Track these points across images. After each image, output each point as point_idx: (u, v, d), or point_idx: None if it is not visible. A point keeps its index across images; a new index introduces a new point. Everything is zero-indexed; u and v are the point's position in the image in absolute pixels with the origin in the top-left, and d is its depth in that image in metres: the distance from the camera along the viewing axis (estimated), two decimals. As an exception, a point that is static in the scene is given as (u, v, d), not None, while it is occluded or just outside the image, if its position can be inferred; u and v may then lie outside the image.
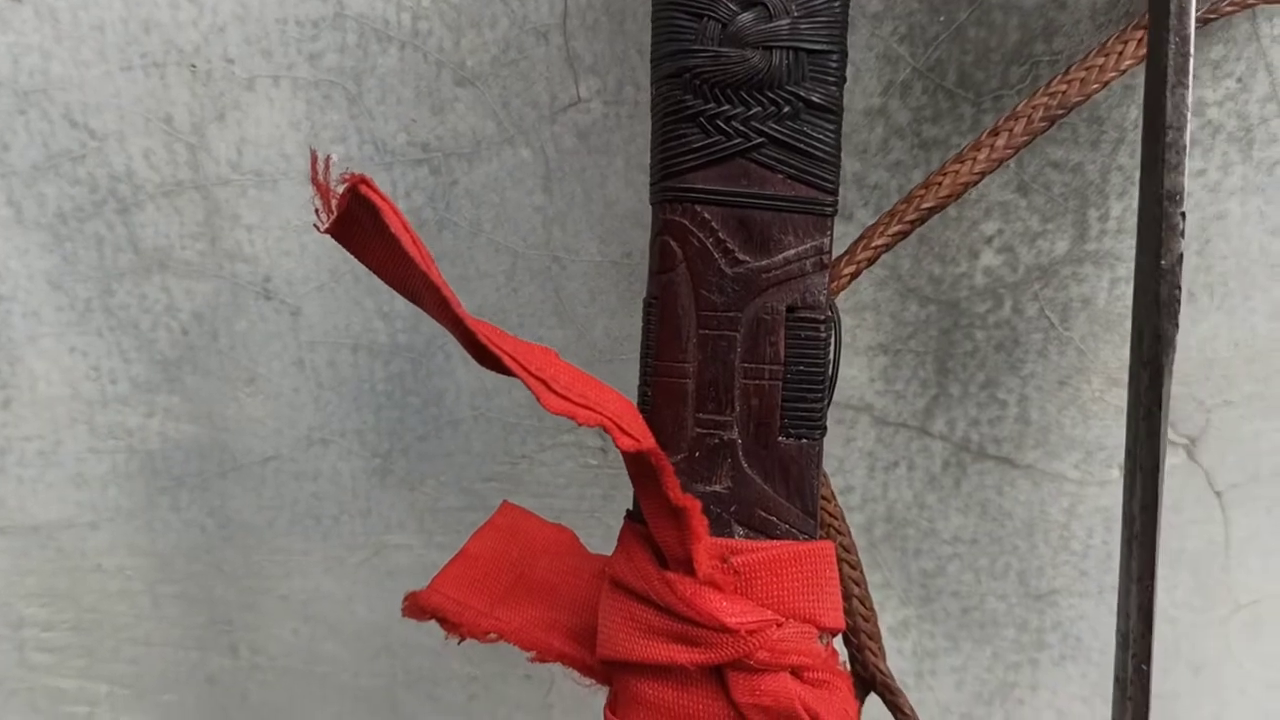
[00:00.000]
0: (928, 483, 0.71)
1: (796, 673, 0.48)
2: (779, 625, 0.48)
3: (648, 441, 0.45)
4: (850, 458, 0.70)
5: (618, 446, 0.44)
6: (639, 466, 0.46)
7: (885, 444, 0.70)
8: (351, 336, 0.69)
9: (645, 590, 0.48)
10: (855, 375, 0.68)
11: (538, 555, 0.58)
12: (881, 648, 0.56)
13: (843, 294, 0.66)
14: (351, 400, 0.71)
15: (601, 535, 0.72)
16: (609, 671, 0.52)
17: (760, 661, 0.47)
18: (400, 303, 0.68)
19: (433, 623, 0.75)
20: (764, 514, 0.49)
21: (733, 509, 0.49)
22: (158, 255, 0.68)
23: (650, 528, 0.48)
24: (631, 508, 0.52)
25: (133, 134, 0.66)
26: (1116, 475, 0.69)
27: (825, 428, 0.50)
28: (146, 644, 0.80)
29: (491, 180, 0.65)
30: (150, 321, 0.70)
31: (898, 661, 0.76)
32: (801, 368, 0.49)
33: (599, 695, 0.53)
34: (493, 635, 0.54)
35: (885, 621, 0.75)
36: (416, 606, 0.55)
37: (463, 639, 0.55)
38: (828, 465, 0.70)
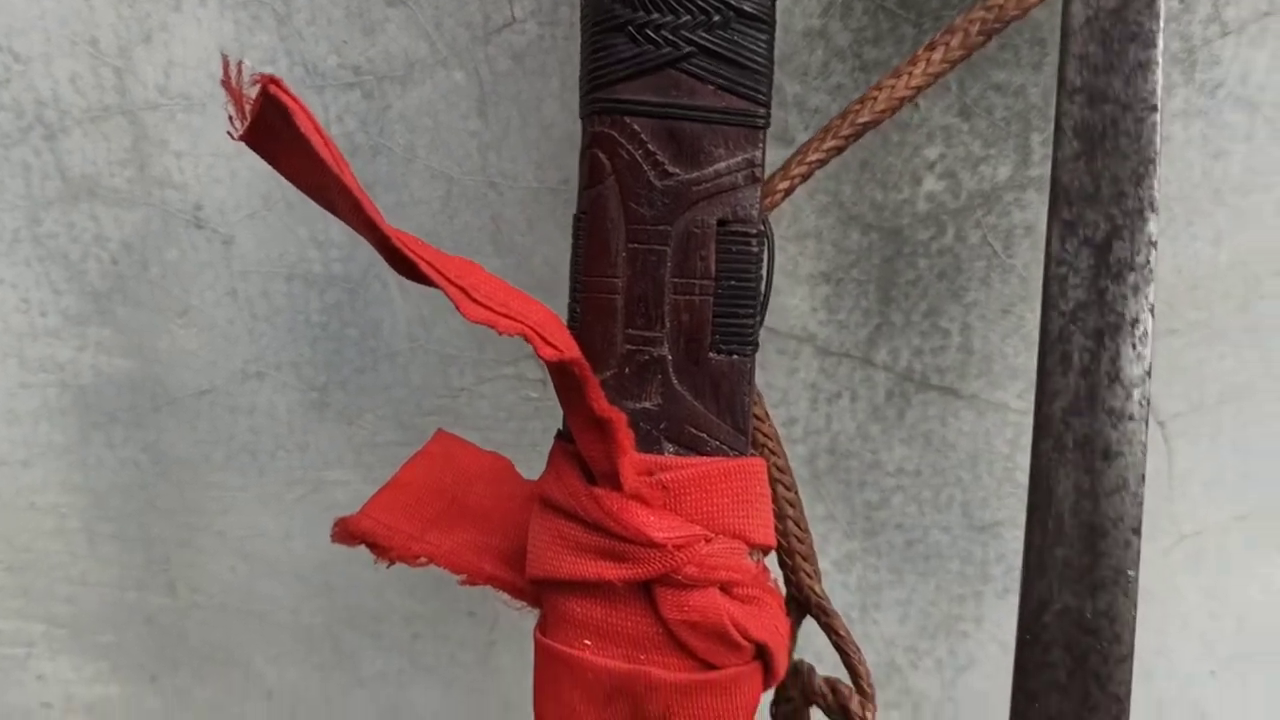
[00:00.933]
0: (871, 414, 0.71)
1: (726, 589, 0.48)
2: (707, 541, 0.47)
3: (571, 351, 0.44)
4: (793, 389, 0.70)
5: (540, 356, 0.44)
6: (563, 378, 0.45)
7: (828, 375, 0.70)
8: (285, 266, 0.68)
9: (573, 507, 0.48)
10: (798, 305, 0.68)
11: (471, 481, 0.58)
12: (816, 569, 0.56)
13: (785, 222, 0.65)
14: (286, 332, 0.70)
15: (541, 468, 0.71)
16: (538, 593, 0.52)
17: (688, 577, 0.47)
18: (335, 231, 0.67)
19: (373, 560, 0.75)
20: (694, 431, 0.49)
21: (662, 426, 0.49)
22: (85, 183, 0.67)
23: (577, 443, 0.48)
24: (562, 428, 0.52)
25: (58, 57, 0.64)
26: (1060, 405, 0.70)
27: (757, 344, 0.50)
28: (83, 583, 0.79)
29: (425, 104, 0.64)
30: (80, 251, 0.68)
31: (842, 595, 0.76)
32: (733, 282, 0.49)
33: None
34: (423, 559, 0.54)
35: (829, 555, 0.75)
36: (346, 531, 0.55)
37: (392, 563, 0.54)
38: (770, 397, 0.70)
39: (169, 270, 0.69)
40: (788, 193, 0.52)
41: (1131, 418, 0.50)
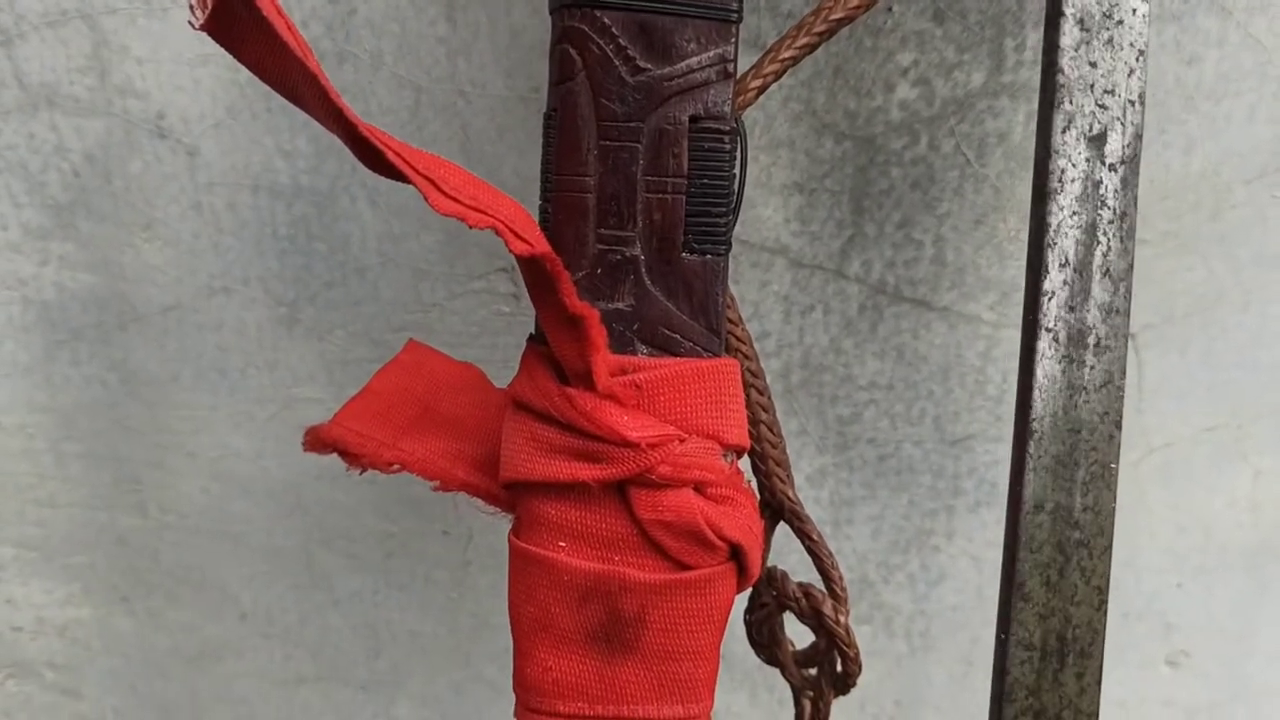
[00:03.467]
0: (844, 327, 0.70)
1: (699, 488, 0.48)
2: (681, 440, 0.47)
3: (542, 246, 0.43)
4: (766, 302, 0.70)
5: (511, 251, 0.43)
6: (535, 274, 0.45)
7: (801, 287, 0.69)
8: (251, 177, 0.67)
9: (546, 407, 0.48)
10: (771, 216, 0.67)
11: (443, 390, 0.57)
12: (789, 475, 0.55)
13: (758, 131, 0.65)
14: (254, 246, 0.69)
15: (515, 384, 0.71)
16: (513, 497, 0.51)
17: (662, 476, 0.47)
18: (302, 141, 0.66)
19: (346, 472, 0.74)
20: (667, 331, 0.49)
21: (635, 327, 0.49)
22: (44, 91, 0.65)
23: (550, 342, 0.47)
24: (534, 331, 0.51)
25: (13, -39, 0.62)
26: (1032, 317, 0.69)
27: (730, 244, 0.49)
28: (52, 505, 0.78)
29: (392, 8, 0.62)
30: (40, 163, 0.67)
31: (815, 510, 0.76)
32: (705, 181, 0.48)
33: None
34: (396, 466, 0.54)
35: (802, 470, 0.75)
36: (317, 440, 0.54)
37: (364, 470, 0.54)
38: (744, 311, 0.70)
39: (132, 182, 0.67)
40: (760, 91, 0.52)
41: (1118, 311, 0.50)
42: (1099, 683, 0.52)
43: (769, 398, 0.55)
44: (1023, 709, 0.51)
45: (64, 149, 0.66)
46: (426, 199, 0.42)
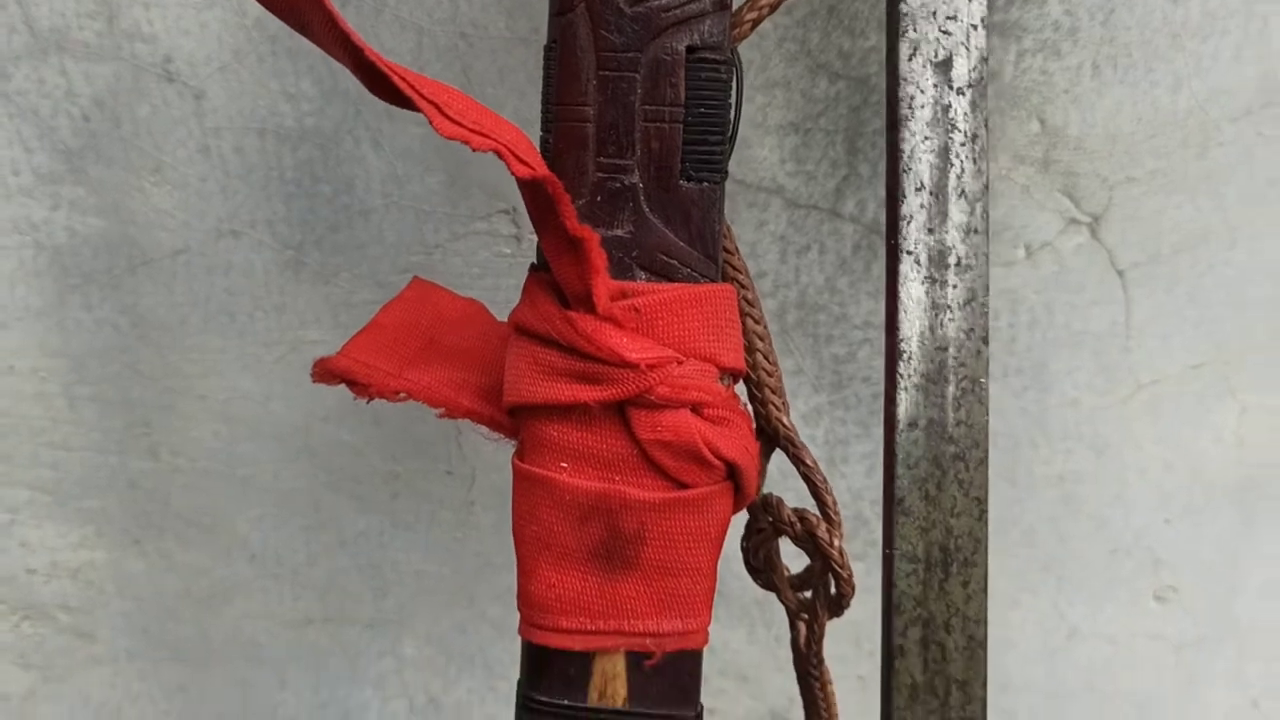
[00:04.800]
0: (839, 266, 0.72)
1: (697, 409, 0.49)
2: (679, 363, 0.48)
3: (543, 169, 0.45)
4: (762, 242, 0.71)
5: (513, 174, 0.44)
6: (536, 198, 0.46)
7: (797, 227, 0.70)
8: (258, 121, 0.68)
9: (548, 331, 0.49)
10: (766, 156, 0.68)
11: (447, 324, 0.59)
12: (785, 402, 0.57)
13: (753, 71, 0.66)
14: (260, 189, 0.70)
15: (517, 324, 0.72)
16: (516, 422, 0.53)
17: (661, 397, 0.48)
18: (307, 83, 0.67)
19: (355, 420, 0.76)
20: (665, 258, 0.50)
21: (634, 254, 0.50)
22: (54, 36, 0.66)
23: (551, 267, 0.48)
24: (536, 260, 0.52)
25: (21, -91, 0.63)
26: (1022, 256, 0.71)
27: (726, 173, 0.50)
28: (65, 448, 0.79)
29: (395, -48, 0.63)
30: (50, 108, 0.68)
31: (810, 449, 0.77)
32: (702, 110, 0.49)
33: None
34: (402, 395, 0.55)
35: (798, 409, 0.76)
36: (325, 371, 0.56)
37: (371, 400, 0.55)
38: (741, 249, 0.71)
39: (140, 127, 0.68)
40: (755, 24, 0.53)
41: (976, 231, 0.51)
42: (985, 590, 0.53)
43: (765, 327, 0.57)
44: (911, 619, 0.53)
45: (73, 94, 0.67)
46: (431, 123, 0.43)
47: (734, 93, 0.50)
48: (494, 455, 0.79)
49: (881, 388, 0.74)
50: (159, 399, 0.78)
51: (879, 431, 0.76)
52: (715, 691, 0.90)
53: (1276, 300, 0.73)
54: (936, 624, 0.53)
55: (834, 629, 0.62)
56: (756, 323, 0.56)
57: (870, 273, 0.71)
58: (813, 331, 0.74)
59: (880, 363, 0.74)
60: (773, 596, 0.85)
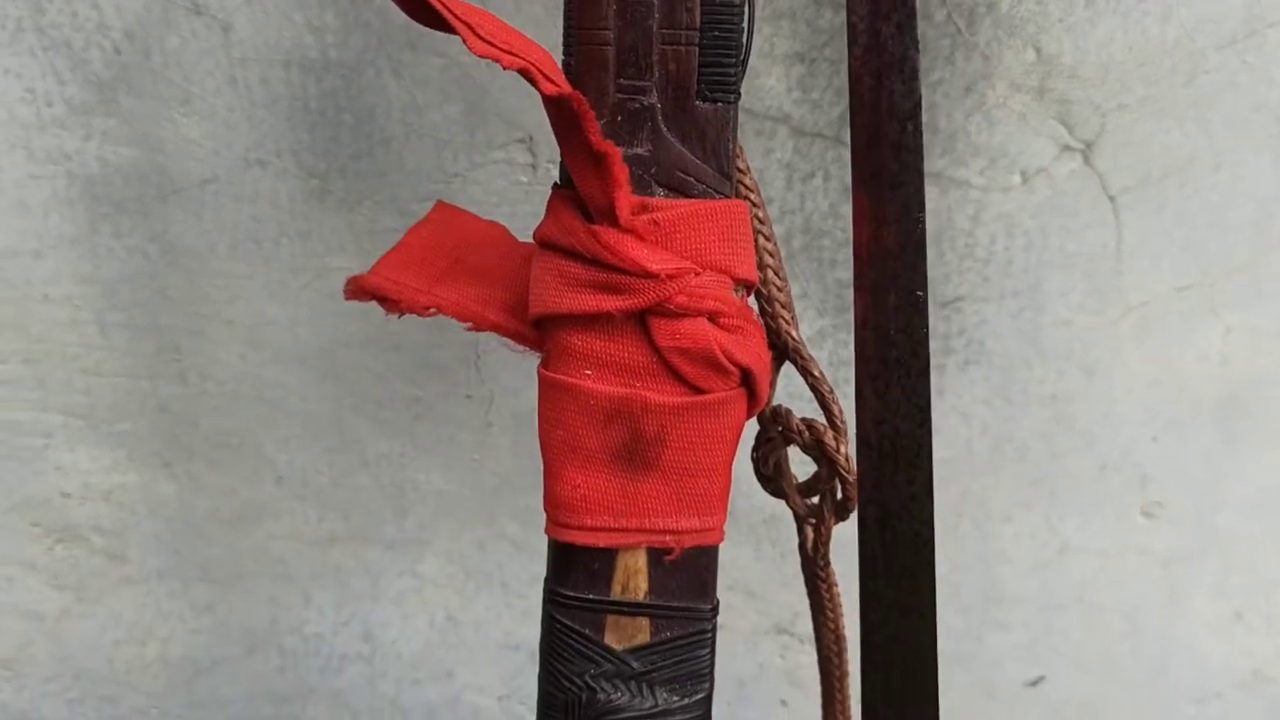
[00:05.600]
0: (842, 193, 0.74)
1: (713, 318, 0.52)
2: (696, 274, 0.51)
3: (568, 88, 0.47)
4: (770, 169, 0.73)
5: (540, 91, 0.46)
6: (561, 114, 0.48)
7: (802, 155, 0.73)
8: (283, 52, 0.70)
9: (572, 244, 0.51)
10: (773, 85, 0.71)
11: (472, 244, 0.61)
12: (794, 317, 0.59)
13: (761, 2, 0.68)
14: (285, 119, 0.72)
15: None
16: (540, 334, 0.55)
17: (679, 306, 0.51)
18: (330, 15, 0.69)
19: (378, 346, 0.78)
20: (682, 174, 0.52)
21: (653, 170, 0.52)
22: (85, -29, 0.68)
23: (575, 182, 0.51)
24: (558, 178, 0.55)
25: None
26: (1018, 181, 0.73)
27: (739, 94, 0.53)
28: (98, 374, 0.82)
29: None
30: (83, 40, 0.70)
31: (815, 370, 0.80)
32: (716, 33, 0.51)
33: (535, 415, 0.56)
34: (431, 309, 0.57)
35: (803, 331, 0.79)
36: (358, 288, 0.58)
37: (402, 314, 0.58)
38: (748, 177, 0.73)
39: (170, 59, 0.70)
40: (767, -49, 0.55)
41: (908, 149, 0.54)
42: (929, 494, 0.56)
43: (775, 244, 0.59)
44: (870, 498, 0.57)
45: (105, 26, 0.69)
46: (465, 41, 0.46)
47: (746, 16, 0.52)
48: (511, 379, 0.82)
49: (882, 310, 0.77)
50: (188, 324, 0.80)
51: (880, 353, 0.79)
52: (723, 607, 0.93)
53: (1258, 223, 0.75)
54: (890, 510, 0.57)
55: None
56: (767, 240, 0.59)
57: (872, 198, 0.74)
58: (817, 256, 0.76)
59: (881, 286, 0.77)
60: (779, 516, 0.88)
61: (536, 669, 0.57)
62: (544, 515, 0.54)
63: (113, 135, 0.73)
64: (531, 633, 0.61)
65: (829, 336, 0.79)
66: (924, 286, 0.55)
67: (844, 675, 0.69)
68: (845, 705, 0.70)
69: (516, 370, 0.81)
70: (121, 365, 0.82)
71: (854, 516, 0.61)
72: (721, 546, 0.88)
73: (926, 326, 0.55)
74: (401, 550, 0.91)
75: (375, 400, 0.83)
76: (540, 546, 0.57)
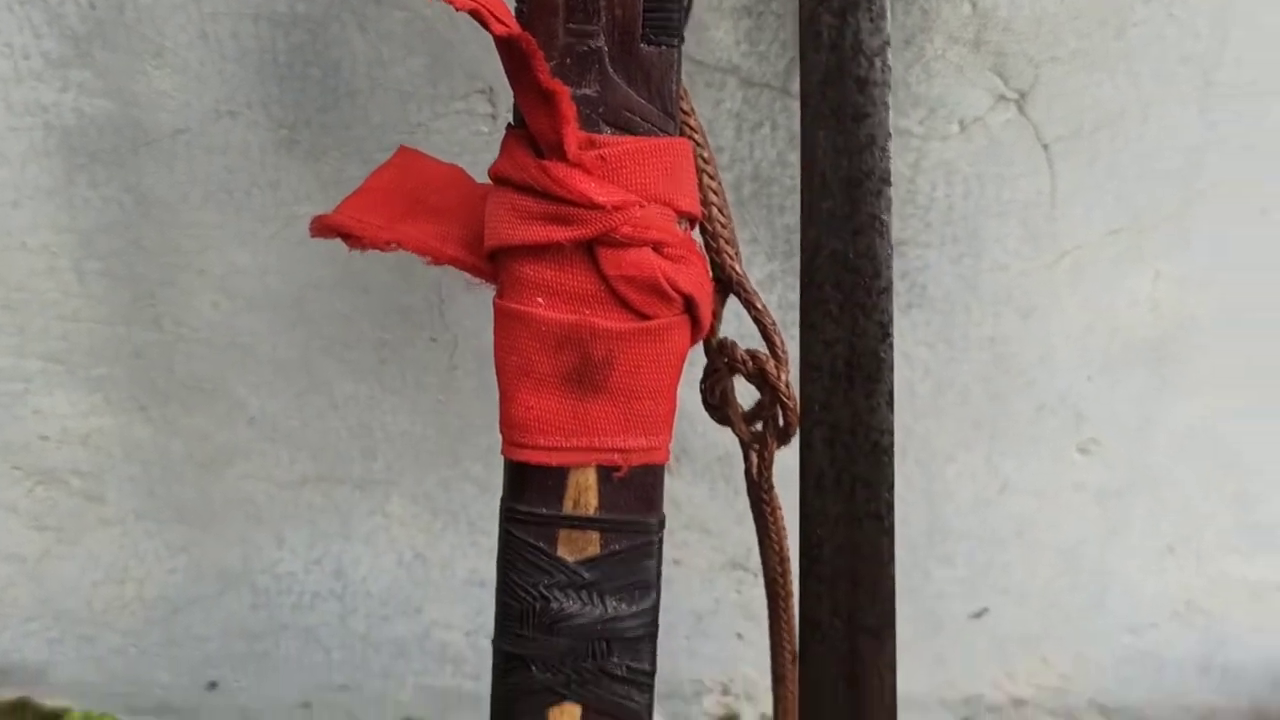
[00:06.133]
0: (789, 141, 0.77)
1: (657, 248, 0.55)
2: (641, 206, 0.54)
3: (518, 29, 0.50)
4: (719, 119, 0.76)
5: (490, 32, 0.49)
6: (511, 54, 0.51)
7: (751, 105, 0.76)
8: (252, 7, 0.72)
9: (524, 179, 0.54)
10: (722, 38, 0.73)
11: (432, 186, 0.64)
12: (737, 251, 0.62)
13: (709, -44, 0.70)
14: (255, 72, 0.75)
15: (494, 197, 0.77)
16: (495, 266, 0.58)
17: (625, 236, 0.54)
18: (296, -30, 0.71)
19: (345, 290, 0.81)
20: (628, 114, 0.55)
21: (600, 110, 0.55)
22: (59, -74, 0.70)
23: (527, 121, 0.54)
24: (512, 119, 0.57)
25: None
26: (956, 131, 0.76)
27: (683, 37, 0.56)
28: (75, 320, 0.84)
29: None
30: (57, -6, 0.72)
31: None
32: (660, -23, 0.54)
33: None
34: (393, 245, 0.60)
35: (753, 275, 0.82)
36: (323, 226, 0.61)
37: (365, 250, 0.60)
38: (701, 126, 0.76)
39: (143, 13, 0.72)
40: (708, -97, 0.58)
41: (875, 83, 0.57)
42: (889, 404, 0.59)
43: (719, 183, 0.62)
44: (818, 420, 0.59)
45: (79, -20, 0.72)
46: (420, -17, 0.48)
47: (689, -35, 0.55)
48: (474, 323, 0.85)
49: (829, 255, 0.80)
50: (162, 273, 0.83)
51: (827, 297, 0.82)
52: (679, 544, 0.97)
53: (1185, 173, 0.79)
54: (841, 427, 0.59)
55: (783, 476, 0.69)
56: (711, 178, 0.62)
57: (818, 147, 0.77)
58: (766, 203, 0.79)
59: (827, 232, 0.80)
60: (732, 454, 0.92)
61: (493, 674, 0.60)
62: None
63: (88, 88, 0.75)
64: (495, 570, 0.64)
65: (778, 280, 0.83)
66: (889, 210, 0.58)
67: (789, 595, 0.73)
68: (790, 624, 0.74)
69: (480, 314, 0.84)
70: (98, 312, 0.84)
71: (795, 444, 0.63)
72: (677, 485, 0.92)
73: (891, 248, 0.58)
74: (370, 490, 0.94)
75: (343, 344, 0.86)
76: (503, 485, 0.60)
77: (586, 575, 0.59)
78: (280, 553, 0.97)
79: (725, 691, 1.07)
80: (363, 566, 0.98)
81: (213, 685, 1.05)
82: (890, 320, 0.58)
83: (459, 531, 0.96)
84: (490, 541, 0.96)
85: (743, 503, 0.92)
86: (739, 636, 1.03)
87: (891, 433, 0.59)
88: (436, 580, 0.99)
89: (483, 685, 1.01)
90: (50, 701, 1.07)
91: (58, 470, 0.92)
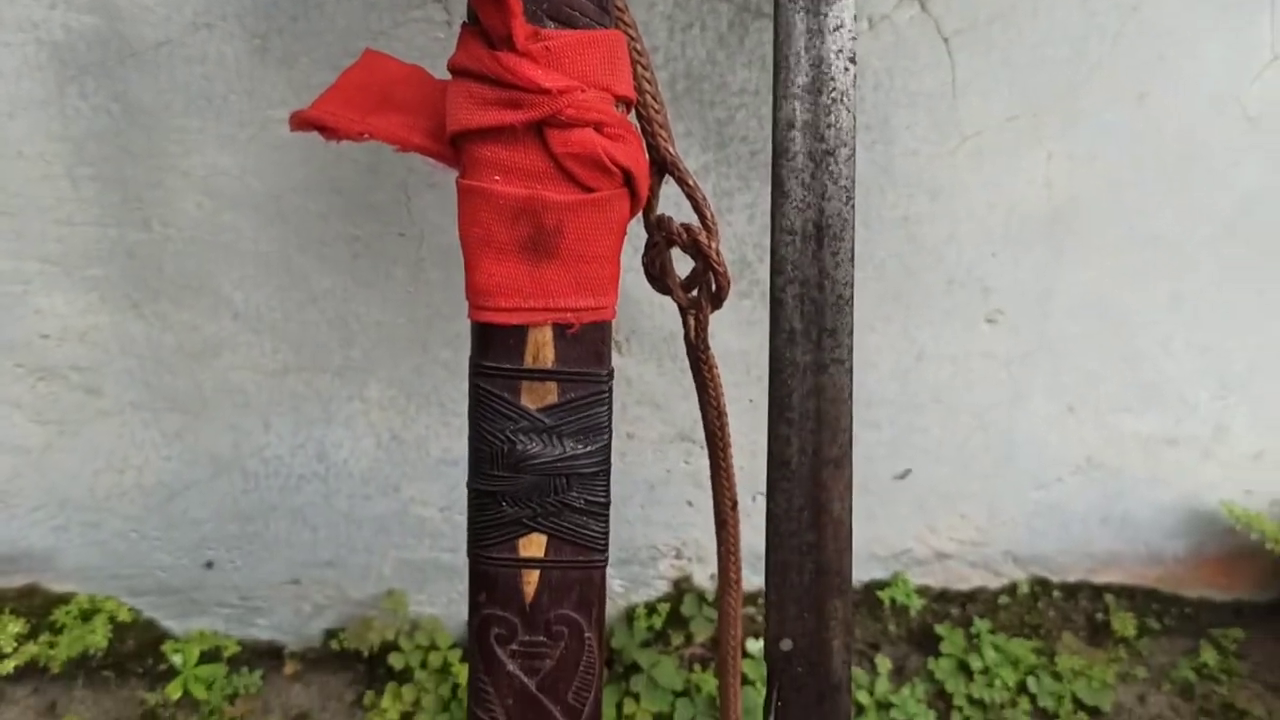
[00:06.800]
0: (718, 41, 0.84)
1: (598, 128, 0.62)
2: (582, 91, 0.61)
3: (471, -67, 0.56)
4: (653, 21, 0.83)
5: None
6: (466, -43, 0.58)
7: (681, 6, 0.83)
8: (224, -75, 0.78)
9: (479, 69, 0.61)
10: (654, -54, 0.80)
11: (397, 83, 0.70)
12: (671, 135, 0.70)
13: None
14: (229, -15, 0.81)
15: (452, 98, 0.84)
16: (457, 151, 0.65)
17: (569, 117, 0.61)
18: (264, -110, 0.77)
19: (320, 189, 0.87)
20: (568, 10, 0.62)
21: (544, 6, 0.62)
22: None
23: (479, 16, 0.60)
24: (466, 18, 0.64)
25: None
26: (866, 28, 0.84)
27: (615, -60, 0.62)
28: (70, 224, 0.90)
29: None
30: (43, -83, 0.77)
31: (701, 201, 0.91)
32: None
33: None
34: (365, 135, 0.66)
35: (689, 165, 0.89)
36: (301, 119, 0.67)
37: (340, 140, 0.67)
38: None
39: (124, -67, 0.78)
40: None
41: None
42: (851, 260, 0.67)
43: (652, 74, 0.69)
44: (790, 278, 0.67)
45: (64, -97, 0.77)
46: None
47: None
48: (439, 218, 0.92)
49: (758, 145, 0.88)
50: (149, 176, 0.89)
51: (756, 184, 0.90)
52: (632, 419, 1.05)
53: (1071, 61, 0.87)
54: (810, 283, 0.67)
55: (726, 360, 0.77)
56: (645, 69, 0.69)
57: (744, 46, 0.84)
58: (698, 99, 0.87)
59: (755, 124, 0.88)
60: (677, 334, 1.00)
61: (468, 510, 0.67)
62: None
63: (75, 4, 0.80)
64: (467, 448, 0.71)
65: (711, 170, 0.90)
66: (855, 85, 0.65)
67: (726, 446, 0.81)
68: (729, 472, 0.82)
69: (443, 209, 0.91)
70: (91, 215, 0.90)
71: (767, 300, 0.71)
72: (628, 363, 1.00)
73: (855, 119, 0.66)
74: (348, 377, 1.01)
75: (319, 240, 0.93)
76: (469, 363, 0.67)
77: (547, 420, 0.67)
78: (267, 438, 1.04)
79: (678, 555, 1.17)
80: (344, 449, 1.05)
81: (209, 565, 1.12)
82: (853, 185, 0.66)
83: (432, 414, 1.03)
84: (460, 422, 1.03)
85: (688, 380, 1.01)
86: (689, 504, 1.12)
87: (852, 286, 0.67)
88: (413, 460, 1.06)
89: (458, 557, 1.10)
90: (57, 587, 1.14)
91: (58, 366, 0.98)
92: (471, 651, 0.69)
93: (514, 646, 0.69)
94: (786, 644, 0.71)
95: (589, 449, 0.68)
